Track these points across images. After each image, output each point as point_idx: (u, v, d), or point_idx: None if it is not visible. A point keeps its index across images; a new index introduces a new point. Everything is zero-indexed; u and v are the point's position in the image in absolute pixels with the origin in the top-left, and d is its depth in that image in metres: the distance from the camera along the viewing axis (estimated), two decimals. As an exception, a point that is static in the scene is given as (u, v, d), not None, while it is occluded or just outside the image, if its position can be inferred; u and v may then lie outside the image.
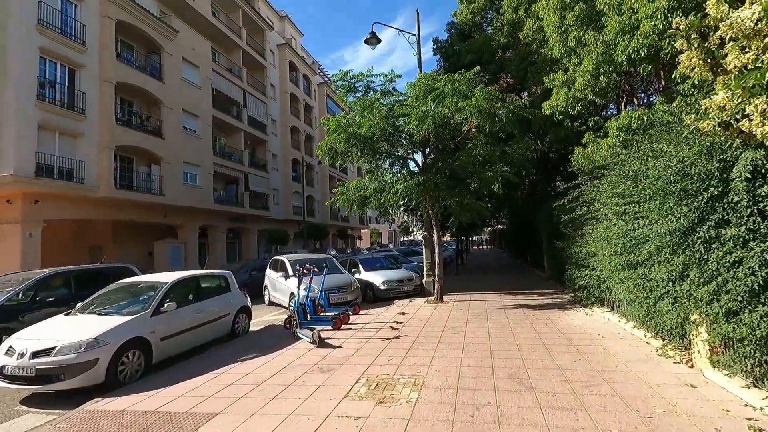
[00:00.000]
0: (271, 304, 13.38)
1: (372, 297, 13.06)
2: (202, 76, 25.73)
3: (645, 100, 16.01)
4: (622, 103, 15.45)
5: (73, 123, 17.55)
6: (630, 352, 6.11)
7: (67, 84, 17.70)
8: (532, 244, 21.10)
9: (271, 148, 34.52)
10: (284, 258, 12.74)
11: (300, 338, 7.92)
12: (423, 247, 14.11)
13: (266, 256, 23.60)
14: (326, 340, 7.74)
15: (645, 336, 6.66)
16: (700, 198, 4.09)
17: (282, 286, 12.25)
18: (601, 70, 10.80)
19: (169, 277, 7.74)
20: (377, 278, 13.19)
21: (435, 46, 19.32)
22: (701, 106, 3.96)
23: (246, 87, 31.00)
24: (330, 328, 8.69)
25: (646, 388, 4.71)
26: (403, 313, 10.31)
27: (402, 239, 73.96)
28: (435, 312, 10.38)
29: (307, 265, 9.69)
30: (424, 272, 13.60)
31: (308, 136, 42.01)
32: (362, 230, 62.50)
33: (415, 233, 60.13)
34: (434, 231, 12.24)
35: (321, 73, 50.02)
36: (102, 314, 6.62)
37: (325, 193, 42.13)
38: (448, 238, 37.70)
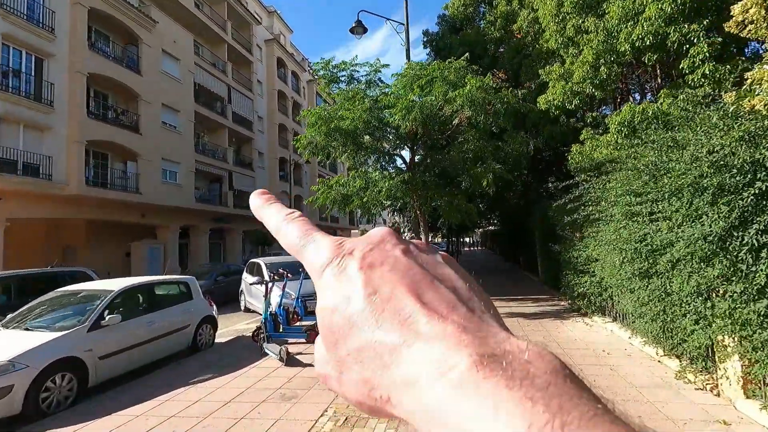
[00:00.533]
0: (247, 310, 12.44)
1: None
2: (184, 69, 24.62)
3: (639, 101, 15.39)
4: (616, 102, 14.80)
5: (40, 115, 16.41)
6: (643, 375, 5.30)
7: (33, 74, 16.56)
8: (524, 247, 20.36)
9: (257, 146, 33.44)
10: (260, 261, 11.80)
11: (267, 354, 7.02)
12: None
13: (245, 259, 22.57)
14: (296, 357, 6.84)
15: (657, 354, 5.86)
16: (745, 195, 3.27)
17: (258, 292, 11.27)
18: (602, 60, 10.05)
19: (117, 284, 6.77)
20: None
21: (425, 39, 18.47)
22: (746, 78, 3.16)
23: (231, 82, 29.91)
24: (304, 341, 7.78)
25: (671, 426, 3.89)
26: (387, 323, 9.43)
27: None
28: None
29: (280, 270, 8.79)
30: (412, 276, 12.72)
31: (297, 134, 40.95)
32: (352, 231, 61.57)
33: (405, 235, 59.27)
34: (422, 233, 11.39)
35: (311, 71, 49.02)
36: (29, 329, 5.66)
37: (314, 193, 41.12)
38: (439, 240, 37.00)
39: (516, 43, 15.51)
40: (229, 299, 12.86)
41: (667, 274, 4.53)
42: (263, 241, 33.13)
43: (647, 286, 5.09)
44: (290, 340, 7.78)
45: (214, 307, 8.50)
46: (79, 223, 20.70)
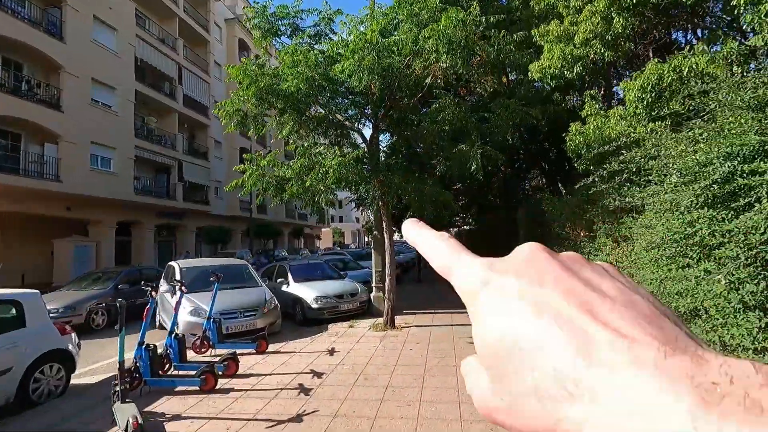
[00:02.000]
0: (162, 327, 9.69)
1: (301, 318, 9.62)
2: (122, 41, 21.39)
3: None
4: (610, 81, 12.77)
5: None
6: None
7: None
8: (505, 248, 18.14)
9: (213, 133, 30.24)
10: (175, 264, 9.09)
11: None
12: (372, 250, 10.79)
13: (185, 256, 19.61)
14: (165, 425, 4.25)
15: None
16: None
17: (169, 305, 8.60)
18: (614, 8, 7.86)
19: None
20: (309, 293, 9.71)
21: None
22: None
23: (182, 61, 26.68)
24: (197, 388, 5.20)
25: None
26: (333, 352, 6.92)
27: (366, 239, 70.48)
28: (380, 348, 7.06)
29: (175, 279, 6.20)
30: (373, 283, 10.28)
31: (261, 123, 37.88)
32: (323, 229, 58.69)
33: (375, 233, 56.87)
34: (385, 230, 8.92)
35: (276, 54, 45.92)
36: None
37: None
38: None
39: (500, 8, 13.24)
40: (136, 314, 9.92)
41: None
42: (220, 238, 30.09)
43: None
44: (179, 387, 5.21)
45: (73, 335, 5.78)
46: (-12, 216, 17.41)
